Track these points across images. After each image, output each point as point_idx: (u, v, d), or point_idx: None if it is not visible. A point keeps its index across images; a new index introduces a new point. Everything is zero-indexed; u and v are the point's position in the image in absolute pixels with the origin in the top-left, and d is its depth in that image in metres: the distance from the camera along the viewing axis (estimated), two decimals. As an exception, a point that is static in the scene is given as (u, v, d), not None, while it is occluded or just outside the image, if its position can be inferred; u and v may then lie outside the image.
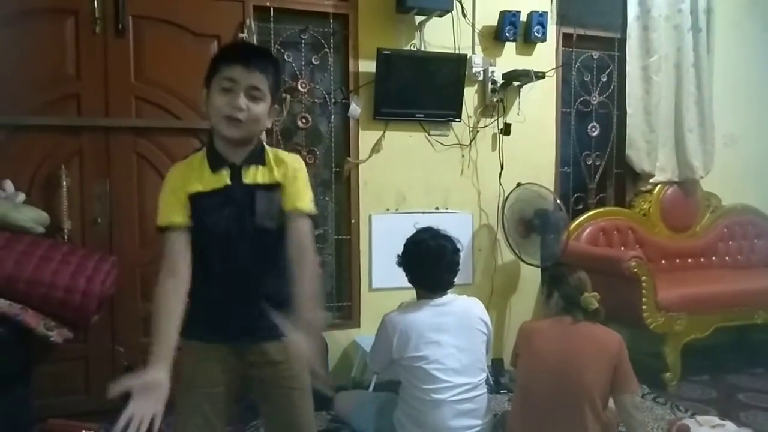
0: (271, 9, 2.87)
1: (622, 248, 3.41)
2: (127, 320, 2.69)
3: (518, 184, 3.18)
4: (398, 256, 2.21)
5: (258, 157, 1.43)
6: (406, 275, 2.20)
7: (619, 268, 2.90)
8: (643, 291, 2.91)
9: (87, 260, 2.26)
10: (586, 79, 3.58)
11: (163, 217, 1.39)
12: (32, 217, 2.27)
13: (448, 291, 2.17)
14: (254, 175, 1.42)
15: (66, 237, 2.50)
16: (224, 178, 1.40)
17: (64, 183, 2.52)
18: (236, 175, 1.41)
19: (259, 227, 1.40)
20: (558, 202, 3.09)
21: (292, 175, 1.43)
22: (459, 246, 2.20)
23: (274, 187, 1.42)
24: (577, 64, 3.55)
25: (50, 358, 2.35)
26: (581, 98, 3.58)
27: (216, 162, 1.41)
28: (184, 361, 1.45)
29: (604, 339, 1.96)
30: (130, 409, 1.12)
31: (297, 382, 1.47)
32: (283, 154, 1.48)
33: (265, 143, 1.48)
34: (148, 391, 1.15)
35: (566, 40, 3.46)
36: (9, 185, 2.37)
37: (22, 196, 2.37)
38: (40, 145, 2.54)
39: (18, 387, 2.17)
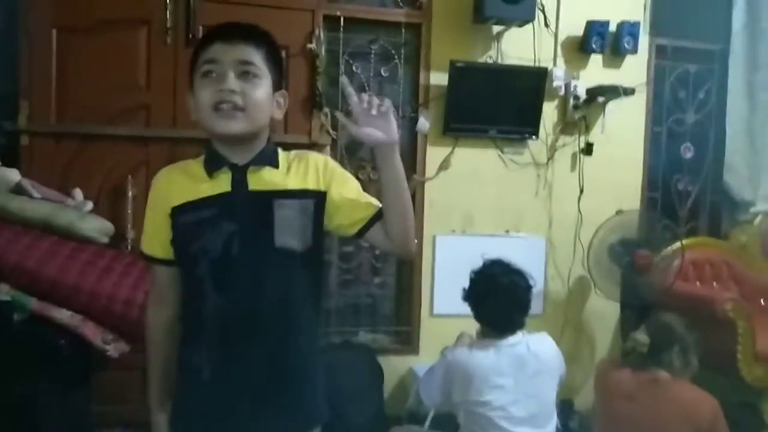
0: (341, 18, 2.77)
1: (715, 284, 3.07)
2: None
3: (618, 212, 2.88)
4: (463, 290, 2.03)
5: (269, 157, 1.11)
6: (471, 312, 2.02)
7: (712, 311, 2.59)
8: (739, 338, 2.58)
9: (147, 272, 2.24)
10: (680, 96, 3.26)
11: (145, 243, 1.17)
12: (97, 228, 2.27)
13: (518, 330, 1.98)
14: (266, 180, 1.09)
15: (129, 246, 2.51)
16: (222, 183, 1.08)
17: (130, 193, 2.54)
18: (239, 180, 1.08)
19: (277, 248, 1.07)
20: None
21: (331, 176, 1.12)
22: (532, 282, 2.00)
23: (300, 194, 1.09)
24: (671, 78, 3.23)
25: (108, 366, 2.37)
26: (674, 116, 3.26)
27: (213, 163, 1.10)
28: None
29: (694, 404, 1.72)
30: None
31: None
32: (302, 154, 1.16)
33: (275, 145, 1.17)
34: None
35: (659, 52, 3.16)
36: (78, 194, 2.38)
37: (89, 205, 2.39)
38: (109, 155, 2.57)
39: (78, 393, 2.19)
